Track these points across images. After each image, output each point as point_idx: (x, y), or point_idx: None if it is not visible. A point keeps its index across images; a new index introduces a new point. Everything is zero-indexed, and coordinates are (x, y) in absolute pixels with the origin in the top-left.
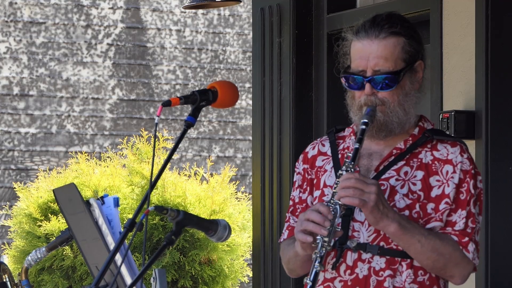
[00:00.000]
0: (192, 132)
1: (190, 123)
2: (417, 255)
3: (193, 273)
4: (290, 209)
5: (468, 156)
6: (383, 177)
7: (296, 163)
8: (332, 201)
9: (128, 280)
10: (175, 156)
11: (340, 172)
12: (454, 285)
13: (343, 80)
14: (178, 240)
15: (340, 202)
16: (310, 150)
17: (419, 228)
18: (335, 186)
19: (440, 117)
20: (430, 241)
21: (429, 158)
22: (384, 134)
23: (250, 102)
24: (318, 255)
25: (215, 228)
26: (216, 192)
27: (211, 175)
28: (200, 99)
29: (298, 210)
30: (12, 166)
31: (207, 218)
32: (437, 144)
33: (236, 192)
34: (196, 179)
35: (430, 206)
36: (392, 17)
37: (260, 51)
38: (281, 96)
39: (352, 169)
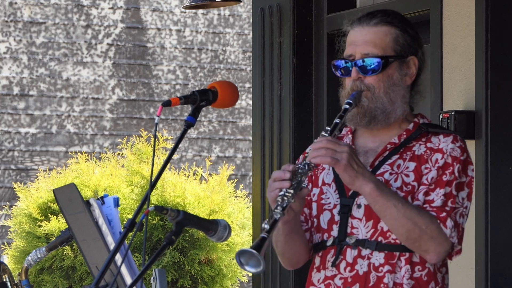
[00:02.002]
0: (192, 132)
1: (190, 123)
2: (392, 222)
3: (193, 273)
4: None
5: (460, 145)
6: (378, 172)
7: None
8: (302, 162)
9: (128, 280)
10: (175, 156)
11: (314, 141)
12: (429, 262)
13: (333, 68)
14: (177, 240)
15: (308, 162)
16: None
17: (396, 195)
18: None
19: (440, 117)
20: (407, 208)
21: (422, 149)
22: (367, 119)
23: (250, 102)
24: (279, 204)
25: (215, 228)
26: (215, 191)
27: (210, 175)
28: (200, 99)
29: None
30: (12, 166)
31: (207, 218)
32: (432, 137)
33: (235, 191)
34: (196, 179)
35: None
36: (388, 10)
37: (260, 51)
38: (281, 96)
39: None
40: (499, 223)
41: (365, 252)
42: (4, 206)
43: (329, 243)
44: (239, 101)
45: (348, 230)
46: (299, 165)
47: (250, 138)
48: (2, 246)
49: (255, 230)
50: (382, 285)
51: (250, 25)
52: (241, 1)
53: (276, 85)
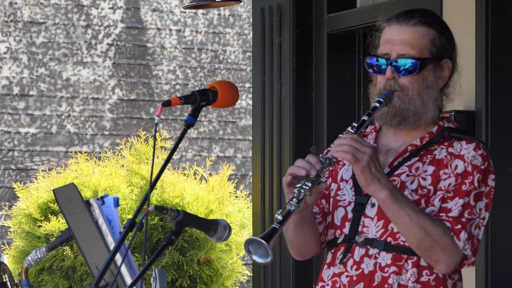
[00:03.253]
0: (192, 132)
1: (190, 123)
2: (404, 230)
3: (192, 273)
4: None
5: (482, 153)
6: (396, 173)
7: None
8: (324, 156)
9: (128, 280)
10: (175, 156)
11: (339, 136)
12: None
13: (366, 64)
14: (177, 240)
15: (330, 157)
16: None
17: (411, 203)
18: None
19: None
20: (420, 217)
21: (443, 154)
22: (398, 120)
23: (250, 102)
24: (296, 195)
25: (215, 228)
26: (215, 191)
27: (210, 174)
28: (200, 99)
29: None
30: (12, 166)
31: (206, 218)
32: (454, 142)
33: (235, 190)
34: (196, 179)
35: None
36: (427, 10)
37: (260, 51)
38: (281, 96)
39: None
40: (499, 223)
41: (372, 251)
42: (4, 206)
43: (339, 240)
44: (239, 101)
45: (359, 229)
46: (321, 159)
47: (250, 138)
48: (2, 246)
49: (255, 230)
50: (386, 285)
51: (250, 25)
52: (241, 1)
53: (276, 85)
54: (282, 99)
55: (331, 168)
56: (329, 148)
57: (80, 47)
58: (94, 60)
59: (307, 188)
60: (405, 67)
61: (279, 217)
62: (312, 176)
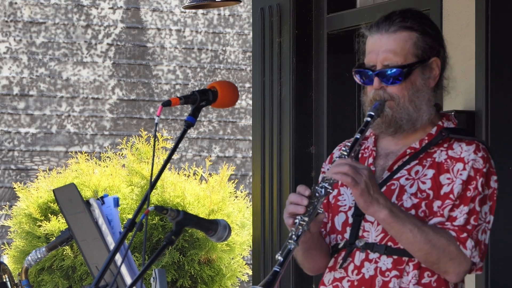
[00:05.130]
0: (192, 132)
1: (190, 123)
2: (409, 246)
3: (192, 273)
4: None
5: (483, 155)
6: (395, 176)
7: (324, 163)
8: (320, 184)
9: (128, 280)
10: (175, 156)
11: (334, 159)
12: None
13: (355, 76)
14: (177, 240)
15: (326, 185)
16: (336, 151)
17: (412, 218)
18: (327, 170)
19: None
20: (423, 232)
21: (443, 157)
22: (392, 129)
23: (250, 102)
24: (293, 233)
25: (215, 228)
26: (215, 191)
27: (210, 174)
28: (200, 99)
29: None
30: (12, 166)
31: (206, 218)
32: (454, 143)
33: (235, 191)
34: (196, 179)
35: (437, 204)
36: (406, 12)
37: (260, 51)
38: (281, 96)
39: (347, 157)
40: (499, 223)
41: (372, 255)
42: (4, 206)
43: (341, 245)
44: (239, 101)
45: (360, 233)
46: (317, 188)
47: (250, 138)
48: (2, 246)
49: (255, 230)
50: None
51: (250, 25)
52: (241, 1)
53: (276, 85)
54: (282, 99)
55: (324, 201)
56: (323, 175)
57: (80, 47)
58: (94, 60)
59: (304, 223)
60: (391, 76)
61: (280, 258)
62: (309, 209)
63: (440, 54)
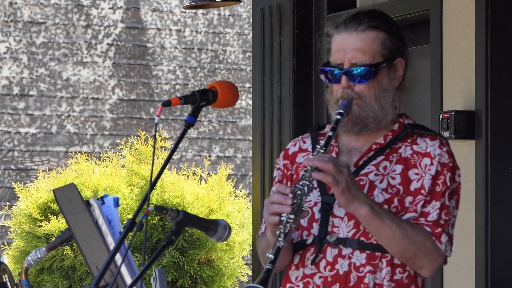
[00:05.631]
0: (192, 132)
1: (190, 123)
2: (388, 242)
3: (192, 273)
4: None
5: (447, 150)
6: (362, 172)
7: (277, 159)
8: (300, 182)
9: (128, 280)
10: (175, 156)
11: (308, 158)
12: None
13: (321, 75)
14: (177, 240)
15: (307, 183)
16: (291, 147)
17: (390, 215)
18: (305, 168)
19: (440, 117)
20: (401, 228)
21: (409, 152)
22: (358, 128)
23: (250, 102)
24: (282, 231)
25: (215, 228)
26: (215, 191)
27: (209, 174)
28: (200, 99)
29: None
30: (12, 166)
31: (206, 218)
32: (417, 139)
33: (235, 190)
34: (195, 179)
35: (408, 199)
36: (373, 12)
37: (260, 51)
38: (281, 96)
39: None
40: (499, 223)
41: (346, 251)
42: (4, 206)
43: (309, 241)
44: (239, 101)
45: (329, 229)
46: (298, 186)
47: (250, 138)
48: (2, 246)
49: (255, 230)
50: (362, 285)
51: (250, 25)
52: (241, 1)
53: (276, 85)
54: (282, 99)
55: (307, 198)
56: (302, 172)
57: (80, 47)
58: (94, 60)
59: (291, 221)
60: (360, 75)
61: (271, 256)
62: (293, 207)
63: (404, 55)
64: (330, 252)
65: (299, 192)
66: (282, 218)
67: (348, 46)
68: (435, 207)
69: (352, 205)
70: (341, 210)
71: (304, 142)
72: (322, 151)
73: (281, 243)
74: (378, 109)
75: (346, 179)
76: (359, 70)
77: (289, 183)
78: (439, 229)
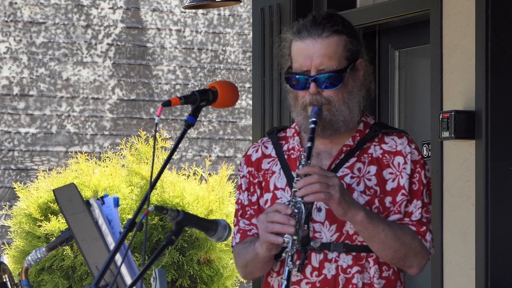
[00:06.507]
0: (192, 132)
1: (190, 123)
2: (380, 245)
3: (192, 273)
4: (239, 213)
5: (415, 146)
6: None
7: (239, 167)
8: (293, 199)
9: (128, 280)
10: (175, 156)
11: (297, 171)
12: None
13: (286, 81)
14: (177, 240)
15: (301, 200)
16: (253, 153)
17: (381, 218)
18: (295, 183)
19: (440, 117)
20: (394, 230)
21: (379, 152)
22: (329, 132)
23: (250, 102)
24: (289, 254)
25: (215, 228)
26: (215, 191)
27: (210, 174)
28: (200, 99)
29: (248, 213)
30: (12, 166)
31: (206, 218)
32: (384, 137)
33: (235, 190)
34: (195, 179)
35: (388, 199)
36: (333, 16)
37: (260, 51)
38: (281, 96)
39: (309, 165)
40: (499, 223)
41: (331, 255)
42: (4, 206)
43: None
44: (239, 101)
45: (311, 235)
46: (291, 203)
47: (250, 138)
48: (2, 246)
49: None
50: (350, 286)
51: (250, 25)
52: (241, 1)
53: (276, 85)
54: (282, 99)
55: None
56: (294, 188)
57: (80, 47)
58: (94, 60)
59: (297, 242)
60: (329, 81)
61: (284, 281)
62: (297, 227)
63: (362, 55)
64: (315, 258)
65: (296, 210)
66: (287, 240)
67: (313, 52)
68: (417, 206)
69: (350, 213)
70: (321, 215)
71: (266, 147)
72: (303, 162)
73: (291, 267)
74: (347, 112)
75: (339, 190)
76: (327, 76)
77: (258, 191)
78: (424, 228)
